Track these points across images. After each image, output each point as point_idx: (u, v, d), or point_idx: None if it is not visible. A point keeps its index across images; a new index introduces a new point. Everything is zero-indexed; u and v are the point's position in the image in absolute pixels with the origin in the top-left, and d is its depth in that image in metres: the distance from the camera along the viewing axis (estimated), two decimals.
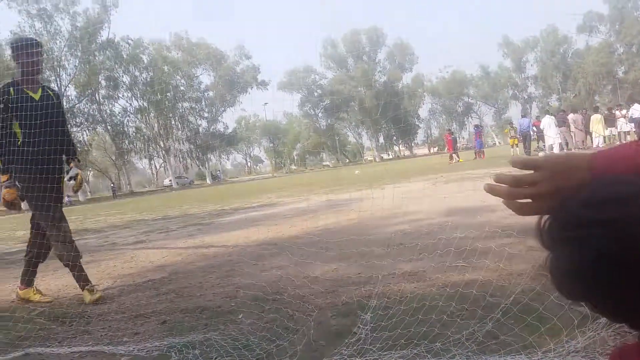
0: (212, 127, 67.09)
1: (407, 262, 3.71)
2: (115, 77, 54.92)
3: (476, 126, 31.04)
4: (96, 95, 53.43)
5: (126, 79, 56.69)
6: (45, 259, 3.95)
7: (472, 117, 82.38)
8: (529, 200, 0.72)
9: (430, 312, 2.42)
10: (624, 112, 22.01)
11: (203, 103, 65.77)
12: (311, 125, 77.69)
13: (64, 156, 3.97)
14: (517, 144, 23.13)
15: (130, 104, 58.01)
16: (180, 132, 62.66)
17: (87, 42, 49.69)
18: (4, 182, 3.68)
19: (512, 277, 2.90)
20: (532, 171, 0.72)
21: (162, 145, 59.60)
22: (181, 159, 65.62)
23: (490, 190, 0.75)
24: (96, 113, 53.98)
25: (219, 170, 77.98)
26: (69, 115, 43.87)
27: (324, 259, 4.28)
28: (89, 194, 49.03)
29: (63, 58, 48.67)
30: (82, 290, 3.74)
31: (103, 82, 54.13)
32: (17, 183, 3.71)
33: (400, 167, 27.77)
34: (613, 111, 22.73)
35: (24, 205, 3.87)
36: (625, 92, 59.67)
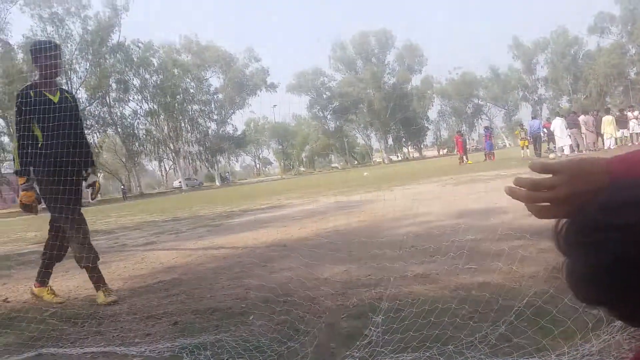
0: (222, 129, 67.42)
1: (418, 264, 3.69)
2: (126, 80, 55.39)
3: (486, 128, 30.94)
4: (107, 98, 53.91)
5: (136, 81, 57.23)
6: (60, 260, 3.97)
7: (482, 119, 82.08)
8: (548, 204, 0.72)
9: (442, 315, 2.40)
10: (635, 113, 21.80)
11: (212, 105, 66.14)
12: (320, 127, 77.79)
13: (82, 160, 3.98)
14: (527, 146, 23.02)
15: (141, 107, 58.53)
16: (189, 134, 63.01)
17: (98, 45, 50.15)
18: (21, 184, 3.70)
19: (524, 280, 2.88)
20: (550, 175, 0.72)
21: (172, 148, 59.96)
22: (191, 161, 65.93)
23: (510, 192, 0.75)
24: (107, 115, 54.45)
25: (228, 172, 78.30)
26: None
27: (334, 261, 4.27)
28: (99, 195, 49.35)
29: (74, 61, 49.15)
30: (97, 291, 3.76)
31: (114, 85, 54.64)
32: (34, 186, 3.74)
33: (410, 168, 27.70)
34: (625, 112, 22.54)
35: (40, 208, 3.88)
36: (637, 94, 59.23)
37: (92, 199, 4.16)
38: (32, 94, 3.70)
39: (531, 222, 4.33)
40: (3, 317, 3.46)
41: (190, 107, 62.22)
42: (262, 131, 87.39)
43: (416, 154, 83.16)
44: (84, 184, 3.98)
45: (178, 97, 58.86)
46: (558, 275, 2.71)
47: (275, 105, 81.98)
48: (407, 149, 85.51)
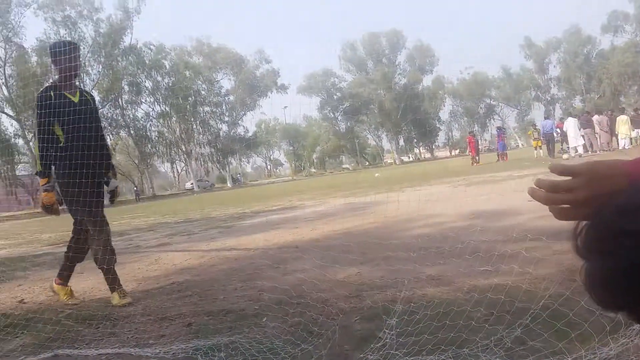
0: (233, 130, 67.69)
1: (431, 266, 3.67)
2: (138, 82, 55.85)
3: (498, 128, 30.74)
4: (119, 100, 54.37)
5: (148, 84, 57.69)
6: (81, 261, 4.00)
7: (494, 119, 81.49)
8: (568, 206, 0.71)
9: (457, 318, 2.38)
10: None
11: (224, 107, 66.45)
12: (331, 128, 77.79)
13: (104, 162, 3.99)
14: (540, 146, 22.84)
15: (153, 109, 58.97)
16: (201, 136, 63.37)
17: (110, 48, 50.61)
18: (43, 185, 3.70)
19: (539, 282, 2.85)
20: (569, 177, 0.71)
21: (184, 149, 60.34)
22: (202, 163, 66.27)
23: (531, 193, 0.75)
24: (119, 118, 54.92)
25: (240, 174, 78.51)
26: None
27: (346, 263, 4.26)
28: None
29: (87, 64, 49.65)
30: (112, 293, 3.78)
31: (126, 88, 55.13)
32: (56, 187, 3.76)
33: (421, 169, 27.60)
34: (639, 112, 22.27)
35: (61, 209, 3.89)
36: None
37: (112, 203, 4.17)
38: (52, 94, 3.71)
39: (545, 223, 4.29)
40: (19, 318, 3.50)
41: (201, 109, 62.57)
42: (273, 132, 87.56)
43: (428, 155, 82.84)
44: (105, 188, 4.00)
45: (190, 99, 59.24)
46: (574, 277, 2.68)
47: (286, 107, 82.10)
48: (419, 149, 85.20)
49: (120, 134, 57.67)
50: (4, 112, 44.37)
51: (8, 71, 44.44)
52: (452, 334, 2.22)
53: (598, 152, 20.64)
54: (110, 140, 54.52)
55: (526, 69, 77.62)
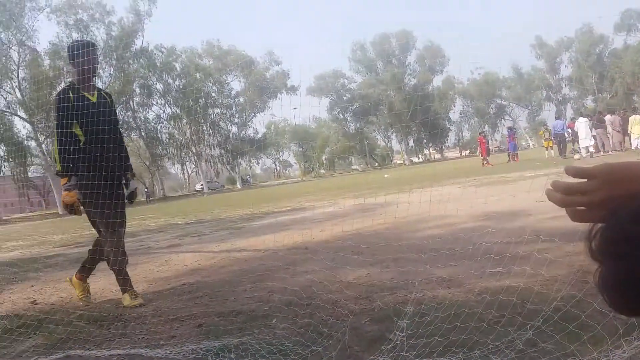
0: (243, 132, 67.97)
1: (442, 268, 3.65)
2: (149, 84, 56.26)
3: (509, 128, 30.50)
4: (131, 102, 54.77)
5: (159, 86, 58.11)
6: (102, 259, 4.02)
7: (505, 119, 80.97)
8: (584, 208, 0.71)
9: (468, 320, 2.37)
10: None
11: (234, 109, 66.72)
12: (340, 129, 77.77)
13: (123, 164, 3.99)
14: (551, 147, 22.67)
15: (164, 111, 59.40)
16: (211, 137, 63.65)
17: (122, 50, 51.01)
18: (63, 184, 3.71)
19: (551, 284, 2.82)
20: (584, 179, 0.71)
21: (194, 151, 60.64)
22: (212, 164, 66.53)
23: (548, 195, 0.75)
24: (131, 120, 55.28)
25: (249, 175, 78.72)
26: None
27: (356, 264, 4.25)
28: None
29: (98, 66, 49.98)
30: (123, 294, 3.80)
31: (137, 90, 55.53)
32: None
33: (431, 170, 27.48)
34: None
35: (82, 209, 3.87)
36: None
37: (131, 203, 4.18)
38: (71, 95, 3.73)
39: (557, 224, 4.26)
40: (32, 319, 3.53)
41: (212, 110, 62.84)
42: (282, 134, 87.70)
43: (438, 156, 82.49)
44: (125, 190, 4.01)
45: (200, 101, 59.60)
46: (586, 279, 2.66)
47: (295, 108, 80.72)
48: (429, 150, 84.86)
49: (132, 136, 58.04)
50: (17, 115, 44.90)
51: (21, 74, 44.94)
52: (463, 336, 2.21)
53: (610, 152, 20.42)
54: None
55: (537, 69, 77.09)
